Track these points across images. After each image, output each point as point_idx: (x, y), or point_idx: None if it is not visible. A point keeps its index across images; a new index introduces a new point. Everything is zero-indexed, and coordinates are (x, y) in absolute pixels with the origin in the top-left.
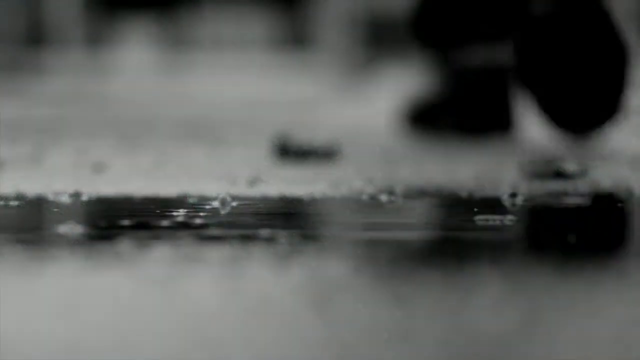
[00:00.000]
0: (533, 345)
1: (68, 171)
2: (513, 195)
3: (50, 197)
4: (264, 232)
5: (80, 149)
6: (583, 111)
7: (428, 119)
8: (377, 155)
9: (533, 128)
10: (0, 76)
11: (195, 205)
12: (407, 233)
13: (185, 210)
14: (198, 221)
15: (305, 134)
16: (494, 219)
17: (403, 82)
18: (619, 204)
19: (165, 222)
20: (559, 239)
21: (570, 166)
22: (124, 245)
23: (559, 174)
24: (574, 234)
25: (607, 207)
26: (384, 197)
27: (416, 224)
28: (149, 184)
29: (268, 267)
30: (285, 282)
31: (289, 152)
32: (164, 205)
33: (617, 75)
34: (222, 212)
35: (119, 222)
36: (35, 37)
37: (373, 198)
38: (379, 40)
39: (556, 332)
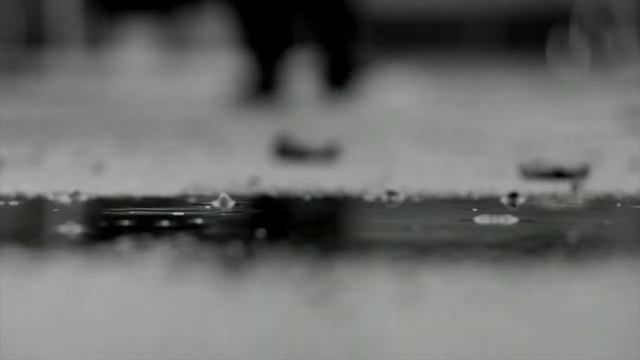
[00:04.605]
0: (533, 344)
1: (68, 171)
2: (513, 195)
3: (50, 197)
4: (264, 232)
5: (80, 149)
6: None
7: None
8: (377, 155)
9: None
10: (0, 76)
11: (195, 205)
12: (407, 233)
13: (185, 210)
14: (198, 221)
15: (305, 134)
16: (494, 219)
17: (403, 82)
18: (617, 204)
19: (165, 222)
20: (559, 239)
21: (570, 166)
22: (124, 245)
23: (559, 174)
24: (574, 234)
25: (606, 207)
26: (384, 197)
27: (416, 224)
28: (149, 184)
29: (268, 267)
30: (285, 282)
31: (289, 152)
32: (164, 205)
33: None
34: (222, 212)
35: (119, 222)
36: (35, 37)
37: (373, 198)
38: (378, 40)
39: (556, 331)
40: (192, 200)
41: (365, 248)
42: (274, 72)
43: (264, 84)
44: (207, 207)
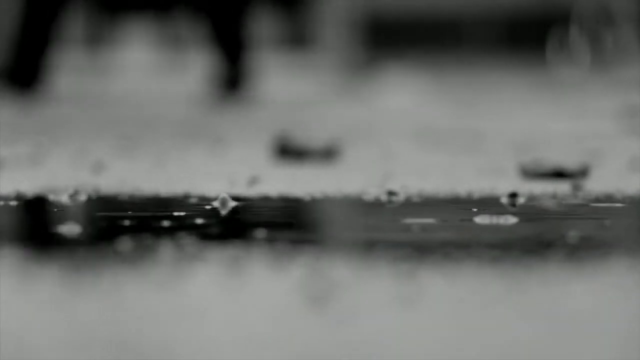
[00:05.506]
0: (533, 344)
1: (68, 171)
2: (513, 195)
3: (50, 197)
4: (264, 232)
5: (80, 149)
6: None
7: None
8: (377, 155)
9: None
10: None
11: (195, 205)
12: (407, 233)
13: (185, 210)
14: (198, 221)
15: (305, 134)
16: (494, 219)
17: (403, 82)
18: (617, 204)
19: (165, 222)
20: (559, 239)
21: (570, 166)
22: (124, 245)
23: (559, 174)
24: (574, 234)
25: (606, 207)
26: (384, 197)
27: (416, 224)
28: (149, 184)
29: (268, 267)
30: (285, 282)
31: (289, 152)
32: (164, 205)
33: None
34: (222, 212)
35: (119, 222)
36: None
37: (373, 198)
38: (379, 40)
39: (556, 331)
40: (192, 200)
41: (365, 248)
42: (240, 69)
43: (232, 81)
44: (207, 207)
